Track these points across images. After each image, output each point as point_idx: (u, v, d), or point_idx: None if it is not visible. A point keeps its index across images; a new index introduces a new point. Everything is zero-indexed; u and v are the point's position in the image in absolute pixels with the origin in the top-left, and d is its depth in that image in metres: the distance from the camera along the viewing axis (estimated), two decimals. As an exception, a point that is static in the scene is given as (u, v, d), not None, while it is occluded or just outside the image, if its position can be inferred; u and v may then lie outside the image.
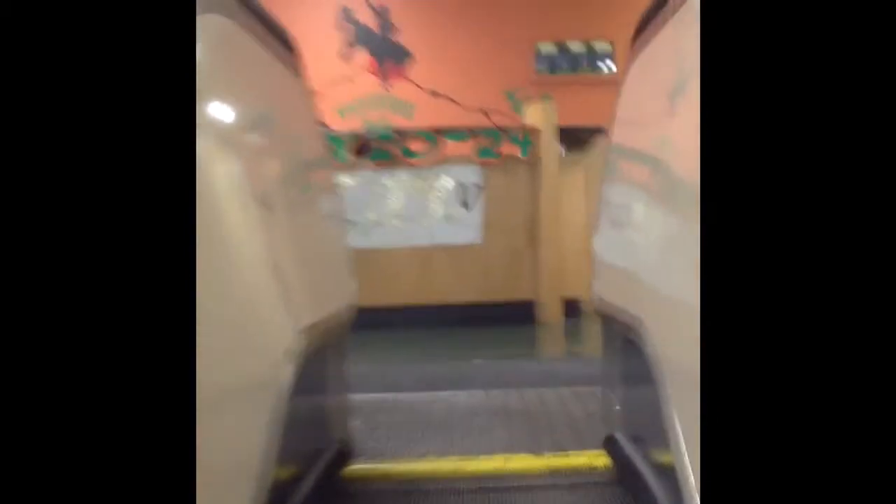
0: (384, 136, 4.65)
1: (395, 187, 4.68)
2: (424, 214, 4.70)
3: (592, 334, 4.86)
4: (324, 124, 5.62)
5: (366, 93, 6.86)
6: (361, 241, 4.66)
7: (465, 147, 4.73)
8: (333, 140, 4.60)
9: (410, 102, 6.86)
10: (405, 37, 6.79)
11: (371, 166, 4.65)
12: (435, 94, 6.87)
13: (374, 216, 4.67)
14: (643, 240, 1.36)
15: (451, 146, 4.73)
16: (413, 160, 4.66)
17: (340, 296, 1.73)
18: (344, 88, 6.82)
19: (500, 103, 6.85)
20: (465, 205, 4.72)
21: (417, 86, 6.81)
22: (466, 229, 4.72)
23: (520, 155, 4.67)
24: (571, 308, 4.80)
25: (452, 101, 6.83)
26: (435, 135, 4.67)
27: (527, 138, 4.66)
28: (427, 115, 6.78)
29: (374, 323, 4.74)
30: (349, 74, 6.76)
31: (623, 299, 1.48)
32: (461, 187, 4.72)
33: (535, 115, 4.82)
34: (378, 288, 4.68)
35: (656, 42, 1.56)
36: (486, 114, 6.81)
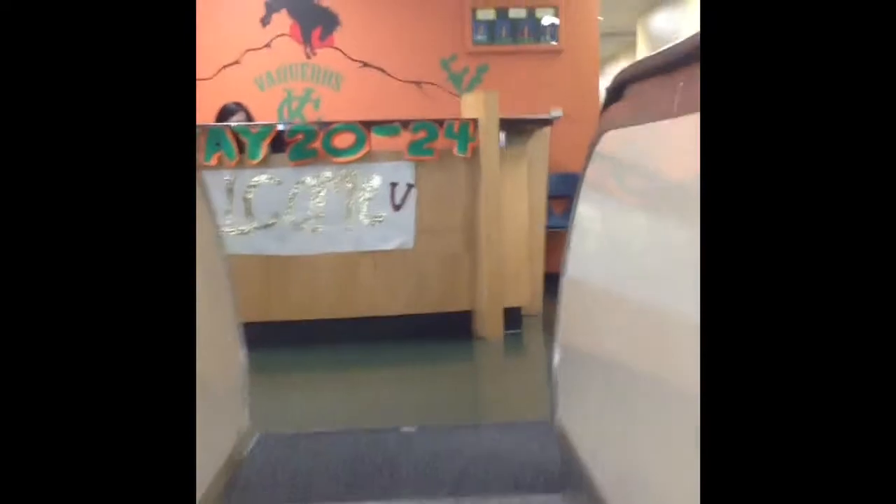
0: (303, 131, 4.09)
1: (316, 187, 4.14)
2: (349, 217, 4.19)
3: (534, 349, 4.47)
4: (238, 105, 5.03)
5: (288, 62, 6.25)
6: (277, 247, 4.15)
7: (396, 142, 4.20)
8: (245, 134, 4.03)
9: (338, 72, 6.28)
10: (332, 0, 6.16)
11: (289, 164, 4.09)
12: (365, 64, 6.29)
13: (293, 219, 4.13)
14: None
15: (380, 141, 4.19)
16: (338, 159, 4.12)
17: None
18: (264, 57, 6.19)
19: (435, 74, 6.32)
20: (396, 206, 4.22)
21: (345, 55, 6.22)
22: (397, 233, 4.22)
23: (457, 150, 4.16)
24: (513, 318, 4.37)
25: (383, 71, 6.28)
26: (363, 129, 4.12)
27: (465, 131, 4.14)
28: (355, 86, 6.21)
29: (291, 339, 4.26)
30: (267, 39, 6.13)
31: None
32: (391, 186, 4.21)
33: (475, 106, 4.30)
34: (296, 300, 4.19)
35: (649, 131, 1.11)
36: (418, 85, 6.29)
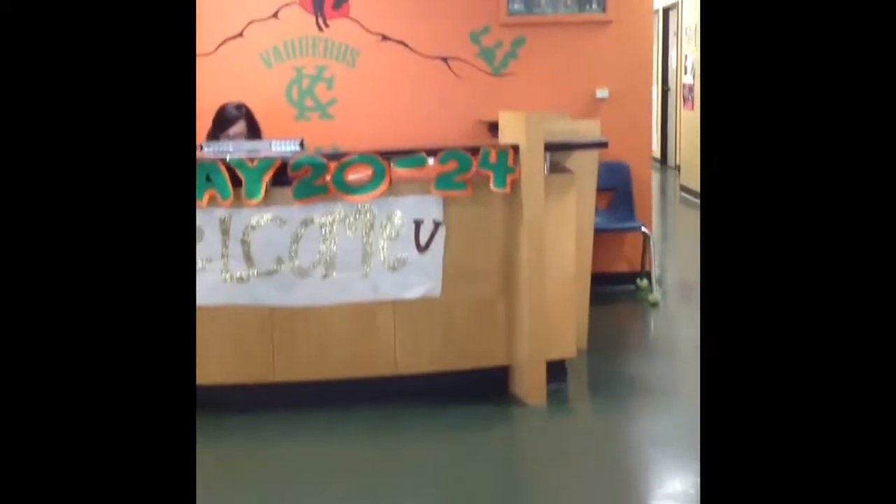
0: (310, 164, 3.42)
1: (326, 226, 3.49)
2: (366, 261, 3.55)
3: (584, 411, 3.86)
4: (239, 110, 4.33)
5: (298, 34, 5.48)
6: (282, 297, 3.54)
7: (421, 172, 3.52)
8: (241, 168, 3.37)
9: (353, 47, 5.51)
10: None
11: (294, 202, 3.44)
12: (384, 38, 5.52)
13: (299, 264, 3.50)
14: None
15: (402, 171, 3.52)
16: (351, 197, 3.46)
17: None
18: (270, 29, 5.42)
19: (464, 49, 5.55)
20: (421, 247, 3.57)
21: (362, 27, 5.44)
22: (422, 278, 3.59)
23: (493, 185, 3.48)
24: (556, 371, 3.75)
25: (405, 45, 5.51)
26: (382, 161, 3.45)
27: (503, 161, 3.46)
28: (373, 63, 5.46)
29: (297, 402, 3.67)
30: (273, 9, 5.38)
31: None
32: (415, 225, 3.55)
33: (515, 128, 3.60)
34: (303, 357, 3.61)
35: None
36: (445, 61, 5.52)
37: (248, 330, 3.54)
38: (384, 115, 5.41)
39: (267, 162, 3.37)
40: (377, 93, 5.44)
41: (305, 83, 5.48)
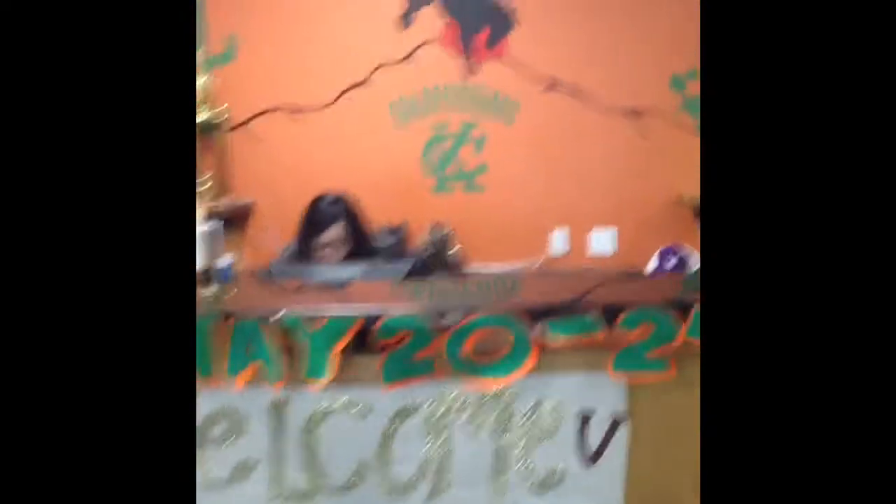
0: (409, 326, 2.11)
1: (434, 419, 2.19)
2: (499, 475, 2.21)
3: None
4: (337, 205, 3.10)
5: (438, 81, 4.20)
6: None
7: (589, 341, 2.15)
8: (298, 329, 2.13)
9: (511, 97, 4.17)
10: (504, -9, 4.05)
11: (383, 383, 2.15)
12: (552, 85, 4.15)
13: (394, 476, 2.21)
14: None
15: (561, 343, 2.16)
16: (475, 380, 2.14)
17: None
18: (403, 74, 4.17)
19: (663, 99, 4.08)
20: (590, 456, 2.20)
21: (523, 71, 4.10)
22: (588, 502, 2.21)
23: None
24: None
25: (578, 95, 4.11)
26: (523, 323, 2.10)
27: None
28: (536, 118, 4.07)
29: None
30: (408, 49, 4.11)
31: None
32: (581, 421, 2.18)
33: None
34: None
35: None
36: (635, 115, 4.09)
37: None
38: (547, 188, 4.07)
39: (340, 323, 2.08)
40: (539, 158, 4.11)
41: (448, 145, 4.17)
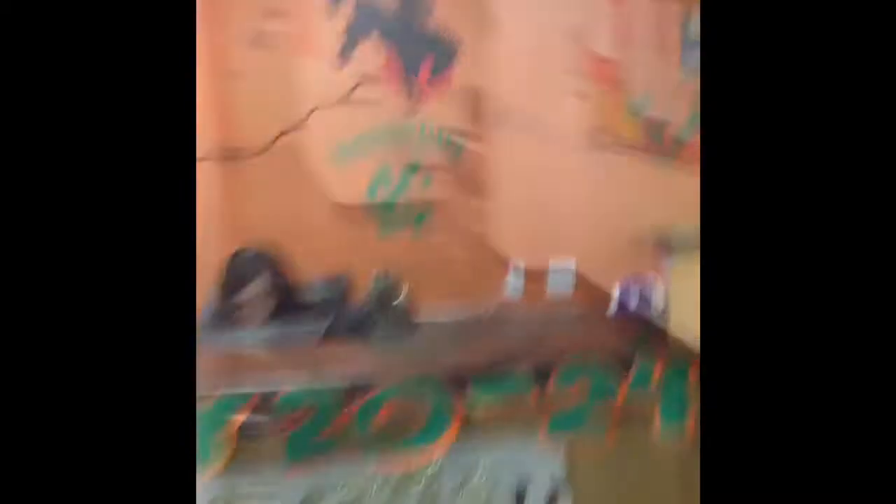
0: (310, 399, 1.84)
1: (351, 499, 1.92)
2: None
3: None
4: (258, 261, 2.82)
5: (380, 120, 3.97)
6: None
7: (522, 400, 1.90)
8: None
9: (456, 136, 3.94)
10: (446, 13, 3.86)
11: (286, 469, 1.88)
12: (502, 116, 3.90)
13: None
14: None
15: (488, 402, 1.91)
16: (387, 457, 1.88)
17: None
18: (342, 117, 3.93)
19: (621, 127, 3.86)
20: (528, 534, 1.93)
21: (473, 102, 3.84)
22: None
23: (660, 423, 1.82)
24: None
25: (534, 125, 3.86)
26: (445, 391, 1.84)
27: (680, 379, 1.78)
28: (488, 151, 3.88)
29: None
30: (346, 86, 3.92)
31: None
32: (516, 496, 1.92)
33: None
34: None
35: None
36: (597, 149, 3.83)
37: None
38: (502, 228, 3.83)
39: (230, 402, 1.82)
40: (490, 194, 3.87)
41: (394, 181, 3.95)
